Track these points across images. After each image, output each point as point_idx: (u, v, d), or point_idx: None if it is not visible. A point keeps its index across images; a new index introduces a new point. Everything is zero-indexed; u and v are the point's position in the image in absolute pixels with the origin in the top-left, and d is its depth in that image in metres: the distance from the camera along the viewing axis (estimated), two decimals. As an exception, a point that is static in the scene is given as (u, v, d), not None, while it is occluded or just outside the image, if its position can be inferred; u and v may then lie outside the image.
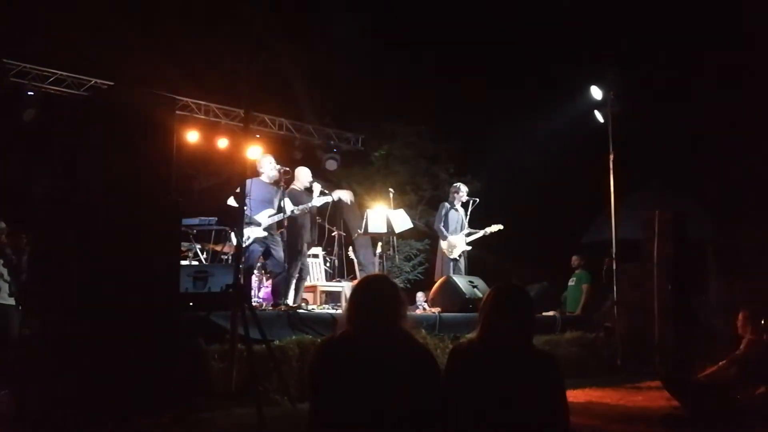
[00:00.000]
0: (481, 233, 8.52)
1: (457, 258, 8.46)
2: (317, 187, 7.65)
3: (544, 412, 2.63)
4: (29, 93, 9.19)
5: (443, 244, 8.52)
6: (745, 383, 4.78)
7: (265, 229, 6.87)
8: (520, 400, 2.60)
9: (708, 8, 11.50)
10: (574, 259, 10.62)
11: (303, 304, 7.44)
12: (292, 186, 7.50)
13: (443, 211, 8.61)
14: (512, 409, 2.59)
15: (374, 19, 12.48)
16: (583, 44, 12.57)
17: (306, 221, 7.47)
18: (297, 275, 7.27)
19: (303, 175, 7.58)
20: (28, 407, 4.23)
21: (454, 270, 8.36)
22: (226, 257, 8.66)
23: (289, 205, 7.12)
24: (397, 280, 11.95)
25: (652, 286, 8.14)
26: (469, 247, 8.58)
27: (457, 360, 2.76)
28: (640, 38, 12.23)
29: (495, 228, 8.53)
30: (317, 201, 7.30)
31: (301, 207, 7.10)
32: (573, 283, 10.45)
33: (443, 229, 8.49)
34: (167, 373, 4.23)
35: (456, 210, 8.64)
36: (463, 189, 8.74)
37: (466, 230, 8.53)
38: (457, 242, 8.45)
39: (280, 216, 6.98)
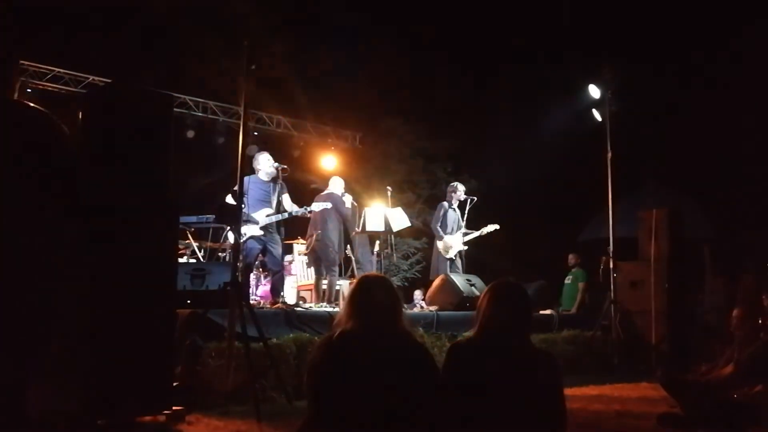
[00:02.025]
0: (477, 234, 8.54)
1: (453, 258, 8.48)
2: (348, 198, 8.14)
3: (542, 410, 2.64)
4: (27, 90, 9.21)
5: (439, 244, 8.54)
6: (741, 381, 4.79)
7: (261, 228, 6.86)
8: (518, 398, 2.61)
9: (707, 7, 11.53)
10: (570, 258, 10.66)
11: (300, 302, 7.46)
12: (330, 191, 8.08)
13: (441, 212, 8.63)
14: (510, 407, 2.59)
15: (373, 19, 12.48)
16: (581, 42, 12.57)
17: (336, 225, 7.91)
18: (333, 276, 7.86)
19: (337, 185, 8.14)
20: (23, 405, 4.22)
21: (451, 269, 8.37)
22: (224, 255, 8.66)
23: (289, 204, 7.12)
24: (394, 279, 12.03)
25: (649, 285, 8.16)
26: (465, 247, 8.59)
27: (454, 358, 2.76)
28: (639, 36, 12.23)
29: (491, 228, 8.55)
30: (316, 206, 7.32)
31: (300, 210, 7.11)
32: (569, 282, 10.49)
33: (439, 230, 8.51)
34: (164, 370, 4.22)
35: (454, 210, 8.66)
36: (461, 188, 8.75)
37: (463, 230, 8.55)
38: (453, 242, 8.46)
39: (279, 216, 6.98)
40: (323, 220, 7.85)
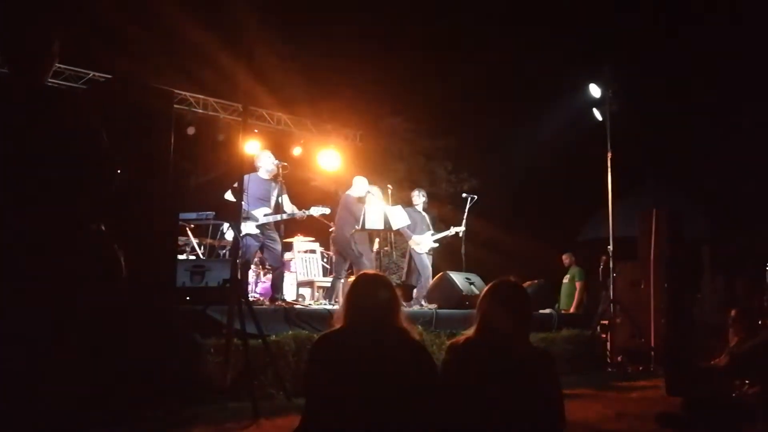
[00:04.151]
0: (444, 234, 8.67)
1: (427, 253, 8.60)
2: (377, 192, 8.04)
3: (540, 409, 2.63)
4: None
5: (410, 243, 8.69)
6: (734, 372, 4.81)
7: (258, 226, 6.85)
8: (517, 396, 2.60)
9: (707, 7, 11.53)
10: (564, 258, 10.68)
11: (299, 299, 7.46)
12: (347, 192, 7.96)
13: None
14: (508, 405, 2.59)
15: (374, 18, 12.47)
16: (582, 42, 12.57)
17: (351, 224, 7.80)
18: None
19: (357, 187, 7.93)
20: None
21: (431, 263, 8.51)
22: (223, 252, 8.66)
23: (288, 205, 7.12)
24: (393, 277, 12.02)
25: (648, 284, 8.17)
26: (437, 245, 8.68)
27: (453, 355, 2.76)
28: (640, 37, 12.23)
29: (457, 229, 8.67)
30: (315, 210, 7.34)
31: (299, 213, 7.12)
32: (567, 281, 10.49)
33: (407, 230, 8.69)
34: (163, 366, 4.22)
35: (418, 212, 8.80)
36: (419, 194, 8.90)
37: (431, 231, 8.69)
38: (422, 240, 8.59)
39: (277, 217, 6.97)
40: (340, 224, 7.91)
